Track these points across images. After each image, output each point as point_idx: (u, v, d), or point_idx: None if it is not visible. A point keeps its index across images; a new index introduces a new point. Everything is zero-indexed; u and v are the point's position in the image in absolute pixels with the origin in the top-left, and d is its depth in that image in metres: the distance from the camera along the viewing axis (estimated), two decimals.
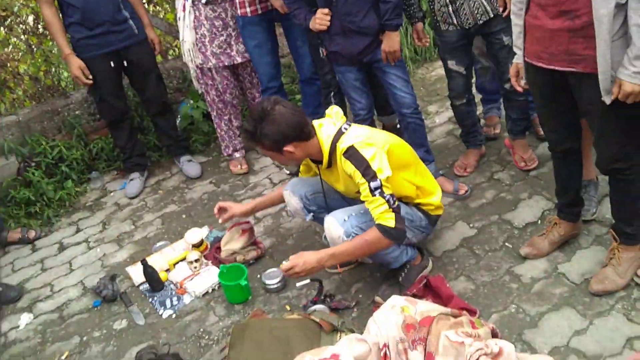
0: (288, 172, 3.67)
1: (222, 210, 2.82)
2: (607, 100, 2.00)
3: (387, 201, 2.20)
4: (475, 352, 1.71)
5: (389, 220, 2.21)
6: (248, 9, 3.30)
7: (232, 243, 2.90)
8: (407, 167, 2.44)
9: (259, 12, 3.32)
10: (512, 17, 2.27)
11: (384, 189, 2.21)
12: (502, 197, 3.03)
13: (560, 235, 2.57)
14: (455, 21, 2.83)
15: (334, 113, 2.44)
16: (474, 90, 3.32)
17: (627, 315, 2.22)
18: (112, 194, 3.86)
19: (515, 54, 2.35)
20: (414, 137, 3.05)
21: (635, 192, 2.30)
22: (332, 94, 3.56)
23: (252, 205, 2.84)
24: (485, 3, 2.73)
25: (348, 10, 2.77)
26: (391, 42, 2.81)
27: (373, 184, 2.20)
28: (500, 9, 2.75)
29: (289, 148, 2.29)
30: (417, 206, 2.51)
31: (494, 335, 1.90)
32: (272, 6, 3.31)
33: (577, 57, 2.01)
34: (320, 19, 2.84)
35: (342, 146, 2.28)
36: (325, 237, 2.50)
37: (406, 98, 2.99)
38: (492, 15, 2.76)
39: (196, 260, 2.89)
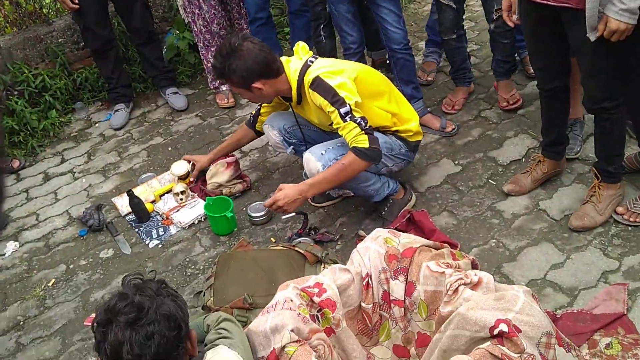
0: None
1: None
2: (592, 37, 1.98)
3: (359, 124, 2.23)
4: (455, 282, 1.75)
5: (363, 142, 2.23)
6: None
7: (217, 176, 2.90)
8: (379, 95, 2.44)
9: None
10: None
11: (354, 113, 2.23)
12: (489, 135, 3.04)
13: (544, 173, 2.60)
14: None
15: (300, 48, 2.43)
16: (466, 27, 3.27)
17: (603, 251, 2.28)
18: (97, 124, 3.82)
19: None
20: (403, 74, 3.03)
21: (619, 131, 2.32)
22: (321, 26, 3.48)
23: (214, 152, 2.91)
24: None
25: None
26: None
27: (343, 110, 2.22)
28: None
29: (257, 85, 2.30)
30: (395, 134, 2.51)
31: (474, 266, 1.95)
32: None
33: None
34: None
35: (308, 78, 2.29)
36: (305, 173, 2.51)
37: (397, 33, 2.94)
38: None
39: (182, 192, 2.90)
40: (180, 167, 3.01)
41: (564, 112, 2.53)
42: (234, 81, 2.32)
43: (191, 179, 2.98)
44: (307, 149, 2.48)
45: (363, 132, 2.23)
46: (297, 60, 2.39)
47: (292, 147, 2.68)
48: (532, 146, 2.89)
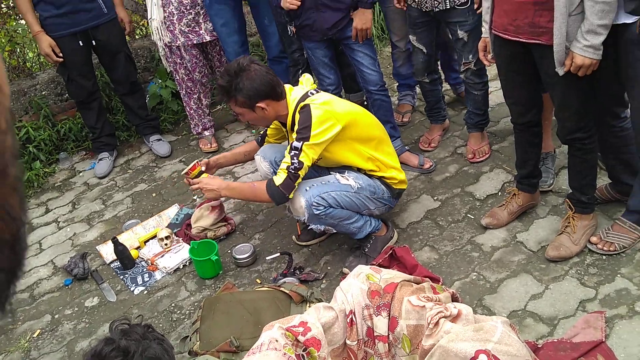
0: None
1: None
2: (560, 71, 2.09)
3: (292, 163, 2.32)
4: (435, 315, 1.79)
5: (278, 178, 2.34)
6: None
7: (202, 220, 2.94)
8: (368, 140, 2.52)
9: None
10: None
11: (301, 153, 2.32)
12: (465, 171, 3.13)
13: (519, 206, 2.68)
14: (417, 0, 2.89)
15: (305, 80, 2.53)
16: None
17: (580, 280, 2.34)
18: (81, 174, 3.86)
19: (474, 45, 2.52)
20: (380, 114, 3.12)
21: (592, 162, 2.42)
22: (299, 71, 3.60)
23: (220, 156, 2.90)
24: None
25: None
26: (364, 19, 2.86)
27: (295, 144, 2.32)
28: (475, 6, 2.80)
29: (261, 104, 2.36)
30: (381, 179, 2.58)
31: (454, 299, 1.99)
32: None
33: (541, 29, 2.10)
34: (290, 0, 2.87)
35: (302, 104, 2.38)
36: (288, 208, 2.57)
37: (373, 75, 3.05)
38: (448, 6, 2.82)
39: (167, 237, 2.93)
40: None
41: (536, 146, 2.63)
42: (239, 100, 2.37)
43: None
44: None
45: (286, 170, 2.33)
46: (300, 89, 2.49)
47: None
48: (507, 180, 2.98)
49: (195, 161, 2.72)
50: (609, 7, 1.90)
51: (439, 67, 3.68)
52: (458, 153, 3.29)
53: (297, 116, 2.36)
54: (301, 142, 2.31)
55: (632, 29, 1.97)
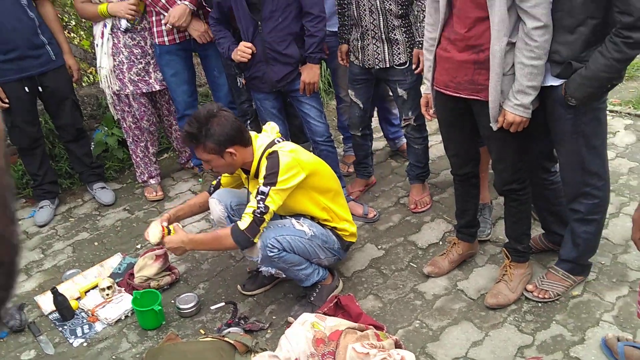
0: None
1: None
2: (494, 127, 2.23)
3: (258, 207, 2.33)
4: None
5: (243, 222, 2.34)
6: (166, 38, 3.37)
7: (145, 269, 2.89)
8: (327, 191, 2.60)
9: (177, 41, 3.39)
10: (423, 52, 2.50)
11: (268, 198, 2.33)
12: (408, 221, 3.23)
13: (459, 255, 2.78)
14: (360, 57, 3.04)
15: (270, 128, 2.58)
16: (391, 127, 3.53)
17: (518, 327, 2.42)
18: (20, 222, 3.73)
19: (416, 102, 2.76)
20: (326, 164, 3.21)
21: (526, 212, 2.55)
22: (248, 122, 3.68)
23: (174, 210, 2.78)
24: (386, 52, 2.96)
25: (272, 39, 2.92)
26: (312, 73, 2.98)
27: (262, 188, 2.34)
28: (414, 66, 2.98)
29: (231, 149, 2.37)
30: (333, 230, 2.63)
31: (398, 346, 2.03)
32: (189, 36, 3.39)
33: (480, 86, 2.24)
34: (243, 52, 2.96)
35: (269, 150, 2.42)
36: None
37: (319, 127, 3.15)
38: (387, 65, 2.99)
39: (108, 287, 2.86)
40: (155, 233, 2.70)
41: (475, 197, 2.75)
42: (209, 146, 2.36)
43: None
44: None
45: (252, 214, 2.33)
46: (265, 136, 2.52)
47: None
48: (447, 230, 3.09)
49: (160, 225, 2.60)
50: (537, 70, 2.07)
51: (378, 123, 3.85)
52: (401, 203, 3.40)
53: (264, 162, 2.39)
54: (268, 187, 2.33)
55: (558, 90, 2.13)
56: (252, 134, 2.52)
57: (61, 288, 2.87)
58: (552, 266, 2.59)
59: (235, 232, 2.35)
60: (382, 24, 2.90)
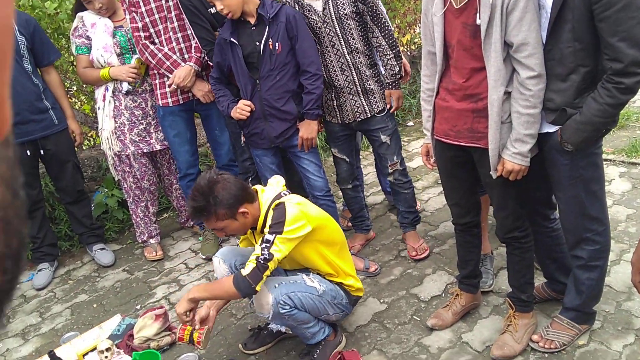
0: (204, 256, 3.70)
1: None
2: (493, 175, 2.26)
3: (262, 254, 2.28)
4: None
5: (246, 269, 2.29)
6: (170, 100, 3.44)
7: (145, 330, 2.85)
8: (333, 244, 2.56)
9: (180, 102, 3.47)
10: (421, 102, 2.55)
11: (273, 246, 2.29)
12: (409, 273, 3.21)
13: (462, 306, 2.75)
14: (338, 115, 3.13)
15: (276, 181, 2.57)
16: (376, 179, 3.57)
17: None
18: (18, 285, 3.69)
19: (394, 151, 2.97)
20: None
21: (529, 260, 2.54)
22: (250, 179, 3.71)
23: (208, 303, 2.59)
24: (364, 104, 3.07)
25: (270, 96, 2.99)
26: (310, 129, 3.04)
27: (268, 237, 2.30)
28: (387, 106, 3.09)
29: (242, 209, 2.34)
30: (340, 285, 2.60)
31: None
32: (193, 96, 3.48)
33: (479, 134, 2.27)
34: (242, 109, 3.03)
35: (276, 202, 2.39)
36: (252, 302, 2.54)
37: (318, 182, 3.18)
38: (369, 115, 3.09)
39: (107, 349, 2.80)
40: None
41: (477, 247, 2.74)
42: (220, 213, 2.32)
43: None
44: None
45: (255, 260, 2.28)
46: (270, 190, 2.49)
47: None
48: (449, 281, 3.06)
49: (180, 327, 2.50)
50: (533, 119, 2.12)
51: (376, 176, 3.89)
52: (402, 256, 3.39)
53: (271, 213, 2.36)
54: (274, 235, 2.29)
55: (554, 137, 2.17)
56: (258, 187, 2.52)
57: (59, 352, 2.82)
58: (556, 315, 2.56)
59: (237, 278, 2.29)
60: (356, 78, 3.02)
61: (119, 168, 3.69)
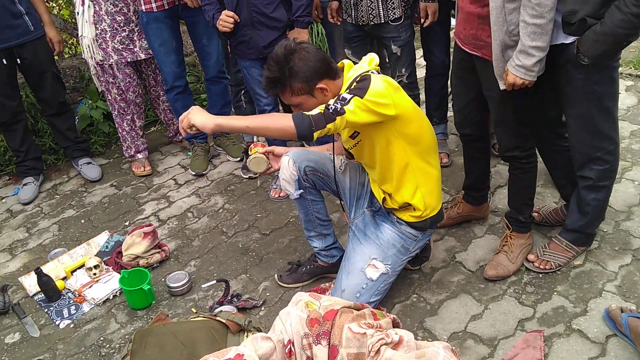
0: (194, 173, 3.60)
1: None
2: (501, 85, 2.14)
3: (335, 104, 1.96)
4: (376, 342, 1.74)
5: (312, 112, 1.98)
6: (154, 4, 3.18)
7: (134, 247, 2.80)
8: (415, 143, 2.18)
9: (165, 7, 3.21)
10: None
11: (348, 104, 1.95)
12: None
13: (458, 214, 2.72)
14: (352, 14, 2.93)
15: (369, 59, 2.20)
16: None
17: (518, 299, 2.35)
18: (3, 200, 3.62)
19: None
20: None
21: (530, 181, 2.46)
22: (242, 92, 3.56)
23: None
24: (380, 7, 2.84)
25: (259, 1, 2.78)
26: (300, 38, 2.83)
27: (345, 95, 1.99)
28: (422, 20, 2.92)
29: (321, 85, 2.10)
30: (407, 208, 2.28)
31: (395, 325, 1.95)
32: (178, 1, 3.22)
33: (482, 42, 2.15)
34: (224, 21, 2.81)
35: (363, 74, 2.08)
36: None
37: None
38: (382, 21, 2.87)
39: (95, 267, 2.76)
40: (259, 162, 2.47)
41: (479, 160, 2.65)
42: (296, 87, 2.08)
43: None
44: (317, 202, 2.43)
45: (324, 108, 1.97)
46: (359, 68, 2.16)
47: (301, 190, 2.39)
48: (445, 200, 2.98)
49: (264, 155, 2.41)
50: (540, 30, 1.94)
51: None
52: None
53: (353, 85, 2.05)
54: (352, 95, 1.97)
55: (570, 49, 2.01)
56: (346, 62, 2.21)
57: (46, 268, 2.78)
58: (555, 236, 2.51)
59: (297, 115, 1.97)
60: None
61: (102, 78, 3.50)
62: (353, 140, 2.20)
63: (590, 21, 1.89)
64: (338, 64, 2.20)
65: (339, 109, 1.94)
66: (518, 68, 2.03)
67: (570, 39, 1.99)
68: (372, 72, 2.09)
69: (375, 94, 1.97)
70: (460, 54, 2.35)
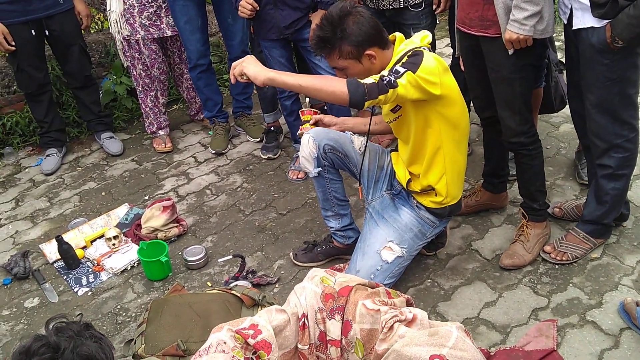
0: (214, 151, 3.62)
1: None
2: (510, 51, 2.15)
3: (389, 76, 1.94)
4: (390, 319, 1.75)
5: (365, 80, 1.96)
6: None
7: (153, 220, 2.83)
8: (454, 127, 2.18)
9: None
10: None
11: (402, 78, 1.93)
12: None
13: (477, 202, 2.71)
14: None
15: (420, 36, 2.18)
16: None
17: (533, 289, 2.35)
18: (26, 170, 3.68)
19: None
20: (339, 115, 3.09)
21: (538, 167, 2.44)
22: None
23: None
24: None
25: None
26: None
27: (399, 68, 1.95)
28: (434, 7, 2.89)
29: (370, 52, 2.06)
30: (428, 192, 2.30)
31: (409, 304, 1.96)
32: None
33: (489, 22, 2.16)
34: (243, 6, 2.81)
35: (415, 49, 2.05)
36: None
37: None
38: (402, 5, 2.84)
39: (115, 237, 2.81)
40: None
41: (500, 145, 2.59)
42: (345, 50, 2.05)
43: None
44: (335, 181, 2.44)
45: (378, 78, 1.95)
46: (414, 41, 2.13)
47: (319, 168, 2.39)
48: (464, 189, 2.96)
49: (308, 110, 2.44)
50: None
51: None
52: None
53: (405, 59, 2.02)
54: (406, 69, 1.94)
55: (600, 33, 1.99)
56: (398, 35, 2.19)
57: (67, 237, 2.82)
58: (573, 227, 2.50)
59: (352, 82, 1.94)
60: None
61: (128, 54, 3.53)
62: (394, 114, 2.21)
63: (622, 2, 1.86)
64: (389, 36, 2.19)
65: (392, 81, 1.92)
66: (512, 22, 2.07)
67: (602, 23, 1.97)
68: (424, 49, 2.07)
69: (426, 71, 1.96)
70: (467, 40, 2.35)
